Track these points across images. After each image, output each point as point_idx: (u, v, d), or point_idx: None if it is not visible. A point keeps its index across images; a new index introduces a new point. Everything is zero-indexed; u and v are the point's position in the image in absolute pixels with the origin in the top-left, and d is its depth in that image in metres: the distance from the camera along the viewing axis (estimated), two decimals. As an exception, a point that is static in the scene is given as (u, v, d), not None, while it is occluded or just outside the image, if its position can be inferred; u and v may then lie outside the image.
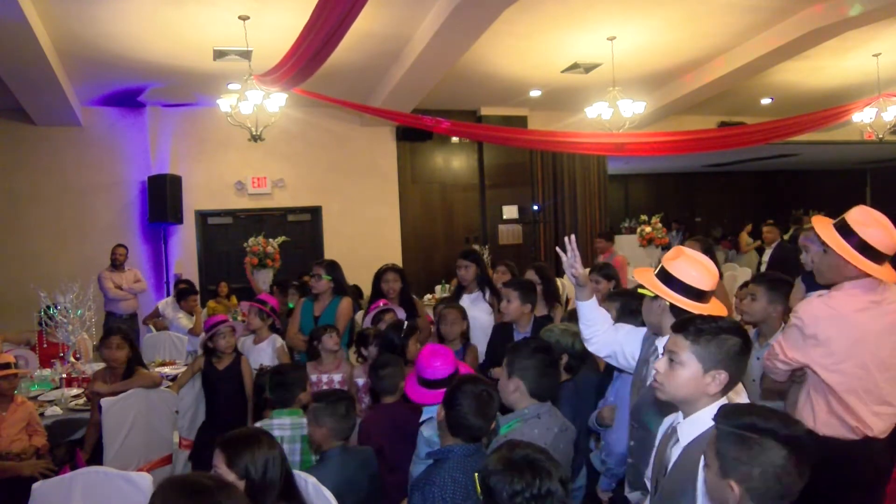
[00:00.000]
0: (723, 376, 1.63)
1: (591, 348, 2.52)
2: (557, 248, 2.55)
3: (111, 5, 5.36)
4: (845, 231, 2.24)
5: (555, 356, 2.44)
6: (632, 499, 2.22)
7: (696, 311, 1.96)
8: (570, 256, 2.40)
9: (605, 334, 2.47)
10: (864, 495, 2.32)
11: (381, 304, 4.21)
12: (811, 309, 2.31)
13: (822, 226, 2.30)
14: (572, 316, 3.48)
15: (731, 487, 1.34)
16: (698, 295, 2.05)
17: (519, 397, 2.31)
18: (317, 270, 4.29)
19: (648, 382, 2.10)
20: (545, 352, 2.35)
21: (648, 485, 2.08)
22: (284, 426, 2.93)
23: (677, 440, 1.70)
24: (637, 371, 2.31)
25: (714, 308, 2.05)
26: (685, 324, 1.71)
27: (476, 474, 1.68)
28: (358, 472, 2.56)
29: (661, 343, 2.12)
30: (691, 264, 2.08)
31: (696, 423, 1.65)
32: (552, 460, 1.65)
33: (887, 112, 8.41)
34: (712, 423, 1.44)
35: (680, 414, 1.73)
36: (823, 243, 2.29)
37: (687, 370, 1.66)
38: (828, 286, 2.39)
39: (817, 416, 2.33)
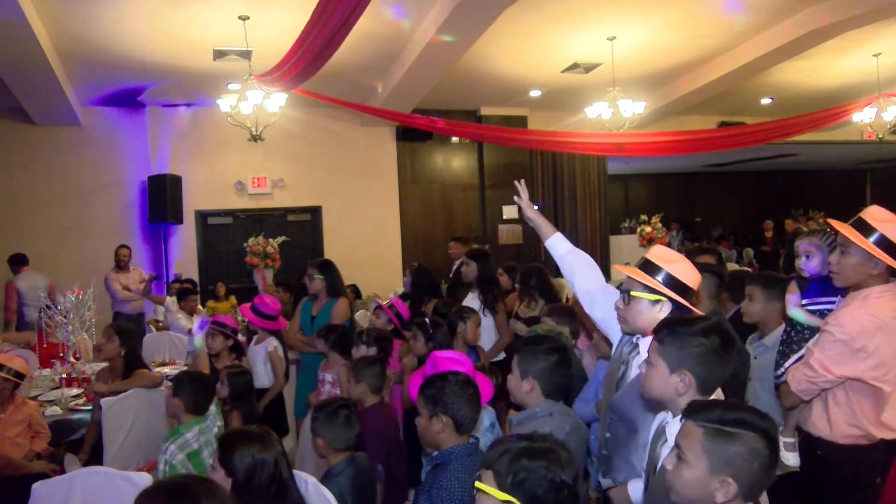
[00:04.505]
0: (687, 377, 1.66)
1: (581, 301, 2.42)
2: (515, 198, 2.64)
3: (111, 5, 5.35)
4: (864, 229, 2.21)
5: (569, 356, 2.43)
6: (604, 483, 2.23)
7: (695, 310, 1.95)
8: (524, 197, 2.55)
9: (590, 285, 2.36)
10: (866, 494, 2.32)
11: (392, 301, 4.29)
12: (857, 320, 2.20)
13: (841, 226, 2.28)
14: (552, 311, 3.51)
15: (728, 483, 1.34)
16: (687, 292, 2.03)
17: (533, 397, 2.30)
18: (310, 271, 4.30)
19: (630, 380, 2.12)
20: (559, 352, 2.35)
21: (622, 476, 2.11)
22: (195, 437, 2.79)
23: (666, 440, 1.72)
24: (612, 368, 2.28)
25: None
26: (659, 326, 1.76)
27: (488, 472, 1.54)
28: (366, 481, 2.53)
29: (643, 343, 2.10)
30: (683, 261, 2.06)
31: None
32: (557, 441, 1.63)
33: (887, 112, 8.41)
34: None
35: (669, 414, 1.75)
36: (843, 243, 2.26)
37: (656, 371, 1.71)
38: (843, 290, 2.35)
39: (834, 426, 2.30)
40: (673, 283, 2.00)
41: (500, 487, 1.48)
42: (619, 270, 2.19)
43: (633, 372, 2.11)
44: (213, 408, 2.97)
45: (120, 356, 3.73)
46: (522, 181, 2.65)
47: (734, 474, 1.34)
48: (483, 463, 1.57)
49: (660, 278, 2.01)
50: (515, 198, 2.59)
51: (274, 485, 1.94)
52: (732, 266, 10.16)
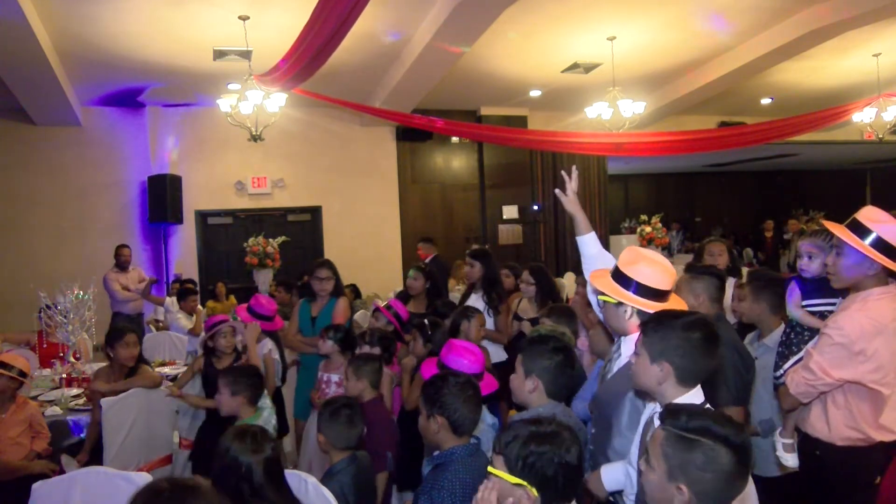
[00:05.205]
0: (665, 367, 1.74)
1: (591, 300, 2.47)
2: (556, 191, 2.54)
3: (111, 5, 5.36)
4: (859, 230, 2.20)
5: (573, 356, 2.43)
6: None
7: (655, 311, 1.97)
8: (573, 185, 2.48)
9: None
10: (865, 495, 2.31)
11: (391, 303, 4.29)
12: (856, 323, 2.19)
13: (836, 227, 2.27)
14: (551, 312, 3.51)
15: (681, 490, 1.34)
16: (657, 295, 2.05)
17: (536, 397, 2.30)
18: (325, 273, 4.21)
19: (610, 376, 2.18)
20: (564, 352, 2.35)
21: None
22: None
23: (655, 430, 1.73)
24: (604, 365, 2.32)
25: (674, 305, 2.05)
26: (647, 319, 1.85)
27: (499, 457, 1.61)
28: (366, 480, 2.53)
29: (624, 342, 2.13)
30: (650, 265, 2.07)
31: None
32: (561, 423, 1.66)
33: (887, 112, 8.42)
34: None
35: (657, 405, 1.79)
36: (838, 244, 2.25)
37: (640, 360, 1.80)
38: (843, 291, 2.35)
39: (833, 428, 2.30)
40: (639, 287, 2.04)
41: (512, 471, 1.57)
42: (591, 280, 2.24)
43: (614, 369, 2.17)
44: (267, 401, 3.02)
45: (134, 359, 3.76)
46: (574, 167, 2.55)
47: (688, 482, 1.34)
48: (493, 449, 1.65)
49: (627, 285, 2.05)
50: (557, 191, 2.52)
51: (244, 487, 1.90)
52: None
